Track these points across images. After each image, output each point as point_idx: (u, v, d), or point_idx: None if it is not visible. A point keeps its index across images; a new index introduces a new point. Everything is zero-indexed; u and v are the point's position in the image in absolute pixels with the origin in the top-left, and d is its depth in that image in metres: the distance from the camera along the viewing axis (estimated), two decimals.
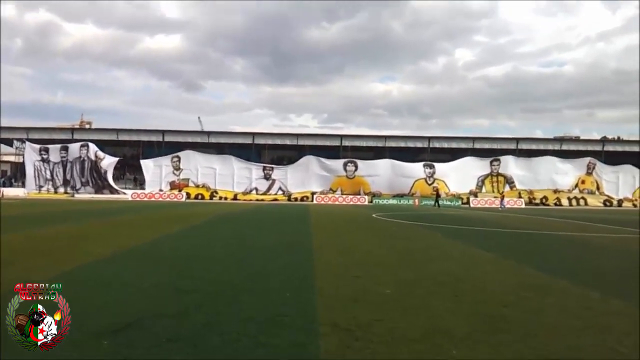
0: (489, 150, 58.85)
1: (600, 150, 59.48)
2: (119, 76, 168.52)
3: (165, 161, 57.73)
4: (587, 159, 57.11)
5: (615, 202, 55.56)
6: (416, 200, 52.93)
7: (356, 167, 56.74)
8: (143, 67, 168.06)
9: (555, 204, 54.87)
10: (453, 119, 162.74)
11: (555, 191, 56.03)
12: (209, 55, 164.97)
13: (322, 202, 52.71)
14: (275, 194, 56.65)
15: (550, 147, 60.30)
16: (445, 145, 62.23)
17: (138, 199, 54.46)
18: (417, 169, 56.86)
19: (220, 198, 55.92)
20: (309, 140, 62.98)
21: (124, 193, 57.03)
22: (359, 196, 54.94)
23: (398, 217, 24.14)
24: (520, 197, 55.19)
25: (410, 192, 55.65)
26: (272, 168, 57.85)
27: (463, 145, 61.73)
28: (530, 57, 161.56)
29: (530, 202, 54.70)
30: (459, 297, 5.75)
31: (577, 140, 66.13)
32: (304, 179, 56.34)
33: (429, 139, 63.25)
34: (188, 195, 56.37)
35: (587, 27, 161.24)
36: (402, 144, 62.52)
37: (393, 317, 4.76)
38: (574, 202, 55.58)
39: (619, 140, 65.59)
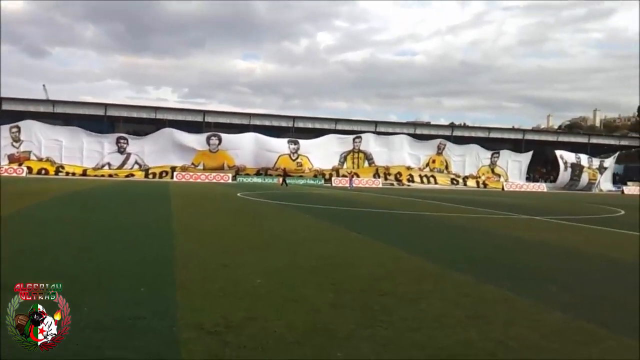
0: (350, 132, 60.73)
1: (449, 135, 64.40)
2: None
3: (3, 132, 51.18)
4: (438, 140, 61.75)
5: (461, 180, 60.80)
6: (280, 179, 53.07)
7: (220, 140, 55.19)
8: None
9: (408, 180, 58.70)
10: (314, 100, 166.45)
11: (408, 168, 59.83)
12: (56, 18, 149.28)
13: (183, 180, 50.51)
14: (131, 169, 53.14)
15: (405, 130, 63.86)
16: (309, 125, 62.99)
17: None
18: (281, 144, 56.96)
19: (67, 174, 51.09)
20: (168, 114, 59.65)
21: None
22: (222, 174, 53.62)
23: (264, 196, 23.68)
24: (377, 173, 58.09)
25: (274, 167, 55.77)
26: (127, 140, 53.89)
27: (326, 126, 62.92)
28: (386, 45, 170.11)
29: (385, 177, 57.91)
30: (336, 286, 5.35)
31: (429, 125, 71.02)
32: (163, 153, 53.42)
33: (294, 118, 63.55)
34: (30, 169, 50.69)
35: (438, 20, 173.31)
36: (267, 123, 62.01)
37: (267, 314, 4.19)
38: (425, 179, 59.86)
39: (465, 126, 71.60)
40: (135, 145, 53.63)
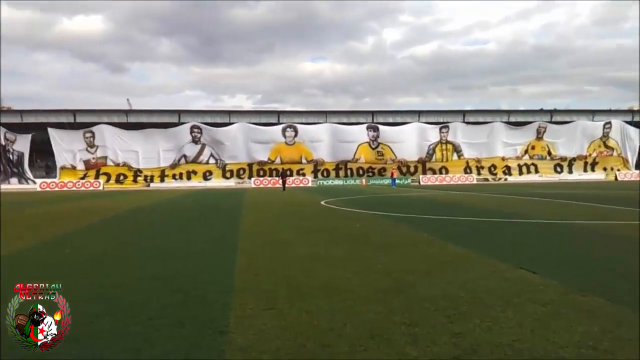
0: (436, 125, 55.61)
1: (548, 121, 57.44)
2: (40, 60, 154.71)
3: (77, 138, 51.04)
4: (537, 123, 55.40)
5: (566, 165, 54.19)
6: (363, 180, 49.24)
7: (296, 132, 52.39)
8: (64, 50, 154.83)
9: (504, 173, 53.01)
10: (385, 97, 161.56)
11: (503, 159, 53.96)
12: (133, 36, 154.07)
13: (261, 186, 47.74)
14: (207, 163, 51.38)
15: (497, 118, 57.53)
16: (390, 119, 58.45)
17: (48, 189, 47.57)
18: (359, 131, 53.19)
19: (146, 177, 50.46)
20: (243, 117, 57.29)
21: (34, 182, 50.11)
22: (301, 177, 50.59)
23: (354, 204, 19.58)
24: (468, 167, 52.81)
25: (354, 158, 52.13)
26: (201, 129, 51.87)
27: (408, 119, 58.11)
28: (454, 36, 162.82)
29: (478, 171, 52.55)
30: None
31: (523, 111, 63.48)
32: (238, 148, 51.26)
33: (372, 113, 59.41)
34: (108, 176, 50.34)
35: (505, 6, 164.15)
36: (344, 119, 58.23)
37: None
38: (524, 169, 53.75)
39: (564, 110, 63.03)
40: (208, 136, 51.70)
